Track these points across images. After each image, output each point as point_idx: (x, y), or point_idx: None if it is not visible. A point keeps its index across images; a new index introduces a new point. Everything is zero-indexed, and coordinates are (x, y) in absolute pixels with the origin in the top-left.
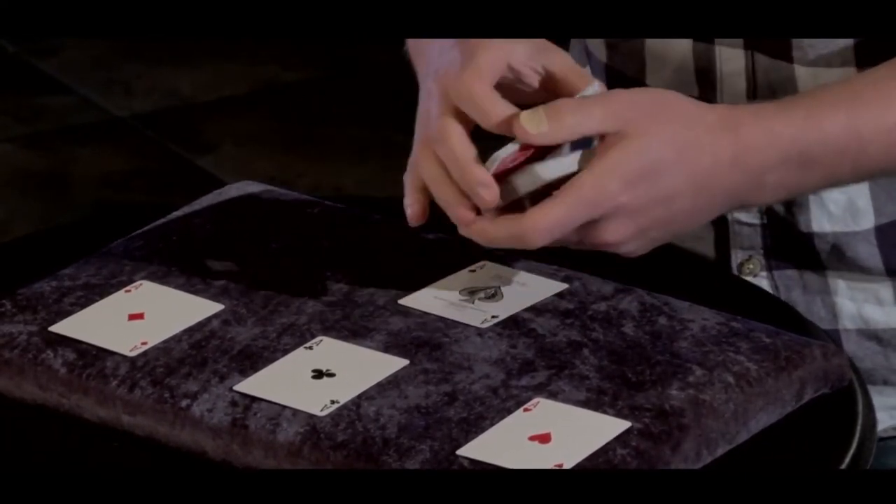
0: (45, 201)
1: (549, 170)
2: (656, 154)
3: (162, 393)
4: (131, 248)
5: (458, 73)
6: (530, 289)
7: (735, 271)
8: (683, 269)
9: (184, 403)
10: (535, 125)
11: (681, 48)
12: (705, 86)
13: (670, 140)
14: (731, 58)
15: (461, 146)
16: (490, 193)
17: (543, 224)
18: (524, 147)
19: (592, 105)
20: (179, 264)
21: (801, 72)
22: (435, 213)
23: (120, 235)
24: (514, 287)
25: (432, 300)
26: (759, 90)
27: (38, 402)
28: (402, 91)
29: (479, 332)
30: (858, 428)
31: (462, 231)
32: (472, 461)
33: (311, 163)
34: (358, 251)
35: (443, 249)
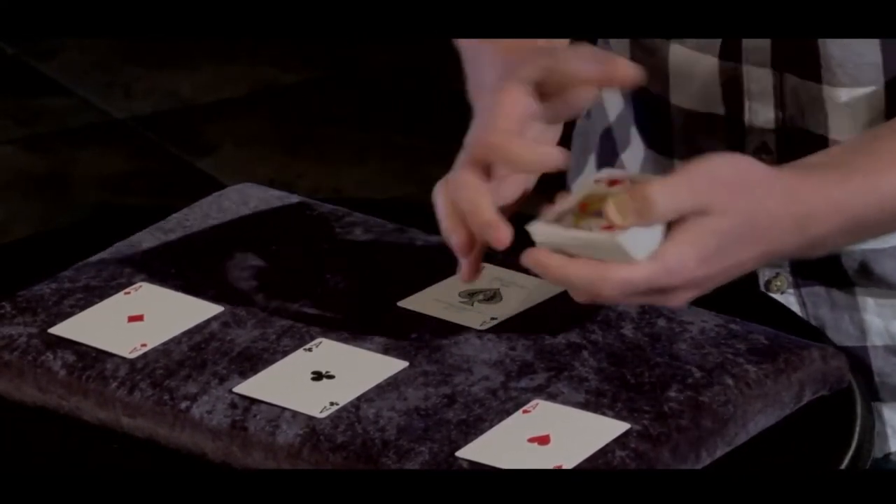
0: (45, 203)
1: (637, 250)
2: (732, 230)
3: (161, 395)
4: (131, 251)
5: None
6: (529, 290)
7: (762, 288)
8: None
9: (183, 405)
10: (626, 219)
11: (706, 65)
12: (732, 104)
13: (745, 215)
14: (758, 77)
15: (478, 192)
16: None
17: (618, 277)
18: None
19: (678, 187)
20: (179, 266)
21: (830, 92)
22: (433, 214)
23: (120, 237)
24: (514, 289)
25: (431, 302)
26: (787, 109)
27: (37, 404)
28: (402, 92)
29: (479, 334)
30: (857, 430)
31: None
32: (471, 463)
33: (310, 164)
34: (357, 253)
35: (442, 251)
